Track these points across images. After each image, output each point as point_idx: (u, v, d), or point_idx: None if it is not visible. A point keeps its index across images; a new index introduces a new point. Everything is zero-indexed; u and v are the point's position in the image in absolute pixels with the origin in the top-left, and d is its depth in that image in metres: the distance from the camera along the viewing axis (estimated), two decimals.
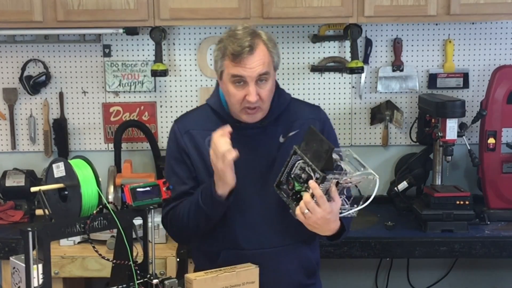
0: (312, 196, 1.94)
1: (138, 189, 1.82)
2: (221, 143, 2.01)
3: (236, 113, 2.14)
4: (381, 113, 3.35)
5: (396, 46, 3.31)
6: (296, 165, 2.02)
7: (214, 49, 2.15)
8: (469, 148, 3.01)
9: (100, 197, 1.77)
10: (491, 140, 3.04)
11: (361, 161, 1.99)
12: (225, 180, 2.05)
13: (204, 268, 2.21)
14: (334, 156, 1.96)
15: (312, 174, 1.96)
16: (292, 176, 2.02)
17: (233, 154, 2.00)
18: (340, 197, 1.98)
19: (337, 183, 1.96)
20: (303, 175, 2.00)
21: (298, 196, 2.00)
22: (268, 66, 2.09)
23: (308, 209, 1.95)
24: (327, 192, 1.94)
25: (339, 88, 3.36)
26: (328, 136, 2.13)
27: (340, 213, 2.00)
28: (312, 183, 1.93)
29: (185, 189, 2.19)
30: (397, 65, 3.32)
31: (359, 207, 2.00)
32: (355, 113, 3.38)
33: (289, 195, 2.03)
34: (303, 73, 3.34)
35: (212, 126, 2.15)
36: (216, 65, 2.14)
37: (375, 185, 1.94)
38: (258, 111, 2.13)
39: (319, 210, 1.94)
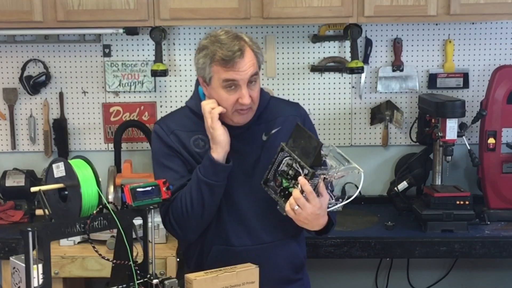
0: (301, 192, 1.96)
1: (138, 189, 1.82)
2: (207, 102, 2.14)
3: (227, 116, 2.15)
4: (381, 113, 3.35)
5: (396, 46, 3.31)
6: (283, 161, 2.04)
7: (197, 57, 2.15)
8: (469, 148, 3.01)
9: (100, 197, 1.77)
10: (491, 140, 3.04)
11: (345, 156, 2.02)
12: (217, 138, 2.10)
13: (195, 265, 2.26)
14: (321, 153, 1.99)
15: (300, 171, 1.98)
16: (279, 172, 2.05)
17: (219, 108, 2.10)
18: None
19: (324, 178, 1.98)
20: (290, 172, 2.02)
21: (286, 192, 2.03)
22: (256, 67, 2.13)
23: (298, 205, 1.98)
24: (315, 188, 1.97)
25: (339, 88, 3.36)
26: None
27: (327, 207, 2.04)
28: (301, 179, 1.96)
29: (184, 183, 2.19)
30: (397, 65, 3.32)
31: (345, 201, 2.02)
32: (355, 113, 3.38)
33: (277, 192, 2.06)
34: (303, 73, 3.34)
35: (195, 127, 2.21)
36: (203, 72, 2.13)
37: (361, 179, 1.97)
38: (250, 111, 2.16)
39: (309, 206, 1.97)
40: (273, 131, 2.23)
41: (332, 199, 2.04)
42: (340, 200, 2.04)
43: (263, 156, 2.19)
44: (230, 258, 2.07)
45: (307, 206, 1.98)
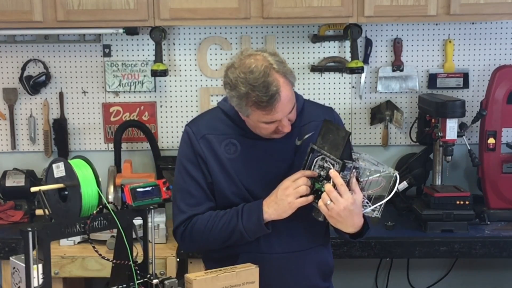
0: (334, 186, 1.94)
1: (138, 189, 1.82)
2: (303, 188, 2.01)
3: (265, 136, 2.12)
4: (381, 113, 3.35)
5: (396, 46, 3.31)
6: (314, 163, 2.02)
7: (229, 94, 2.04)
8: (469, 148, 3.01)
9: (100, 197, 1.76)
10: (491, 140, 3.04)
11: (379, 162, 2.01)
12: (284, 214, 2.04)
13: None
14: (352, 155, 1.98)
15: (331, 167, 1.97)
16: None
17: (309, 199, 2.02)
18: (362, 197, 1.99)
19: (358, 181, 1.96)
20: (322, 173, 2.00)
21: (319, 193, 1.99)
22: (293, 96, 2.05)
23: (331, 199, 1.94)
24: (347, 183, 1.94)
25: (339, 88, 3.36)
26: None
27: (362, 209, 2.01)
28: (332, 172, 1.93)
29: (203, 196, 2.16)
30: (397, 65, 3.32)
31: (381, 202, 1.98)
32: (355, 113, 3.38)
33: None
34: (303, 73, 3.34)
35: (228, 130, 2.15)
36: (239, 108, 2.05)
37: (396, 181, 1.95)
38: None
39: (342, 200, 1.93)
40: (307, 136, 2.16)
41: (368, 203, 2.00)
42: (377, 206, 2.00)
43: (297, 161, 2.12)
44: (260, 265, 1.98)
45: (340, 201, 1.93)
